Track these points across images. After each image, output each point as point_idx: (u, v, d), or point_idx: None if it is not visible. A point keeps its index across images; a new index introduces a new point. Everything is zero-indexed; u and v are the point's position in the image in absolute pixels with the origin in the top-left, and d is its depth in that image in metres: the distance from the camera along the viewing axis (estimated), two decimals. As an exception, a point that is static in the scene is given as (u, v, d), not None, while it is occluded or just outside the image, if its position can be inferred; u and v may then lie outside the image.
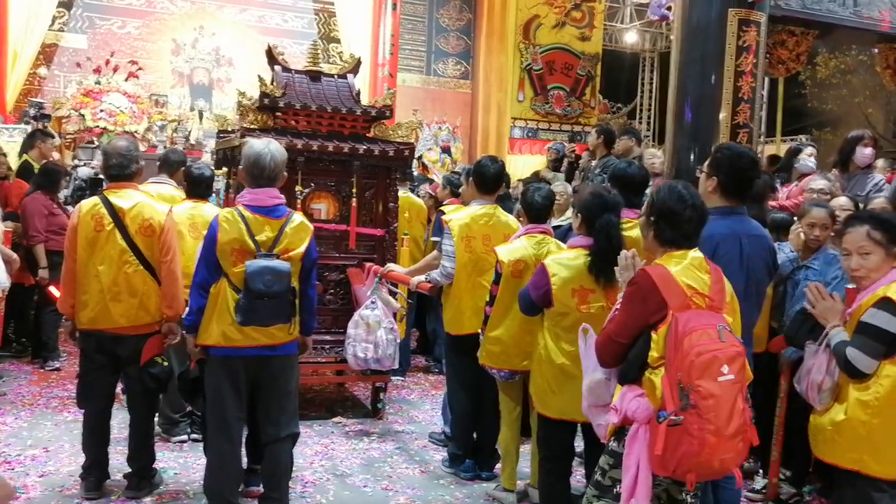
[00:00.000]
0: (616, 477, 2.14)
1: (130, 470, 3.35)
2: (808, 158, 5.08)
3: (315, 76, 4.84)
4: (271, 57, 4.85)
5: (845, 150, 4.90)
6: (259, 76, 4.58)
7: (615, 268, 2.35)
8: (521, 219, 3.97)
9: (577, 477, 3.31)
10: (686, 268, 2.12)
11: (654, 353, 2.05)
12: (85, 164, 7.71)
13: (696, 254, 2.17)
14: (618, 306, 2.21)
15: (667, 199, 2.19)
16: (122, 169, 3.29)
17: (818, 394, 2.44)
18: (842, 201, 3.80)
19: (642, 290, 2.11)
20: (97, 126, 8.83)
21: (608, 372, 2.22)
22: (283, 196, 2.96)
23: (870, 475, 2.33)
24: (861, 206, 3.89)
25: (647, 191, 3.36)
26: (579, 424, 2.93)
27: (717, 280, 2.15)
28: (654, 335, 2.05)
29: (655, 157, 5.82)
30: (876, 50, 7.53)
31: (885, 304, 2.31)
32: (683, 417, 1.93)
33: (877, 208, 3.64)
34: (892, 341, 2.30)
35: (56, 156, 6.73)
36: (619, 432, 2.15)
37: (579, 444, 3.12)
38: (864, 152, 4.77)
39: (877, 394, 2.31)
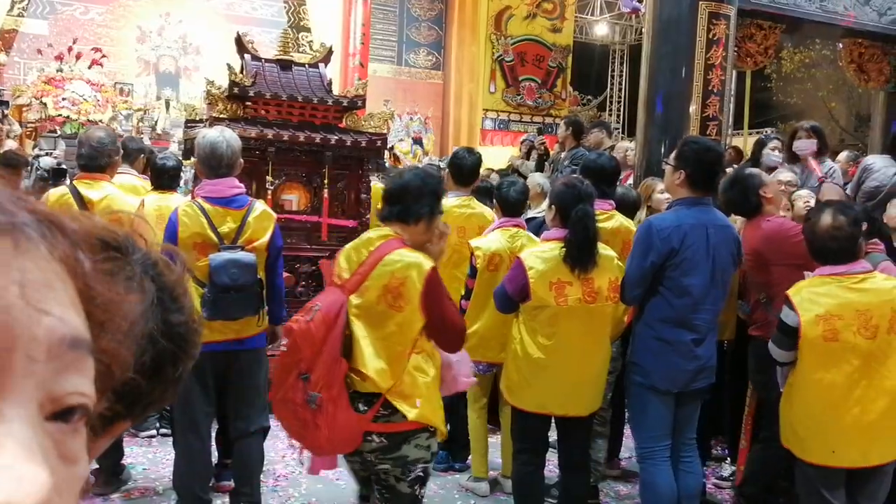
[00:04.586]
0: None
1: (98, 466, 3.28)
2: (772, 153, 5.11)
3: (286, 65, 4.77)
4: (241, 45, 4.76)
5: (787, 143, 4.95)
6: (228, 64, 4.49)
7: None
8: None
9: (549, 466, 3.33)
10: (354, 243, 2.21)
11: None
12: (47, 154, 7.51)
13: (371, 236, 2.20)
14: None
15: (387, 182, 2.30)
16: (90, 160, 3.20)
17: (778, 377, 2.66)
18: (802, 193, 3.89)
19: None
20: (59, 115, 8.60)
21: None
22: (242, 185, 2.91)
23: (795, 455, 2.56)
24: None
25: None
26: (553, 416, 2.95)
27: (368, 262, 2.13)
28: None
29: (629, 149, 5.86)
30: (840, 45, 7.67)
31: (785, 299, 2.52)
32: None
33: (800, 203, 3.75)
34: (790, 332, 2.49)
35: (11, 144, 6.53)
36: None
37: (551, 435, 3.14)
38: (797, 144, 4.74)
39: (790, 380, 2.55)
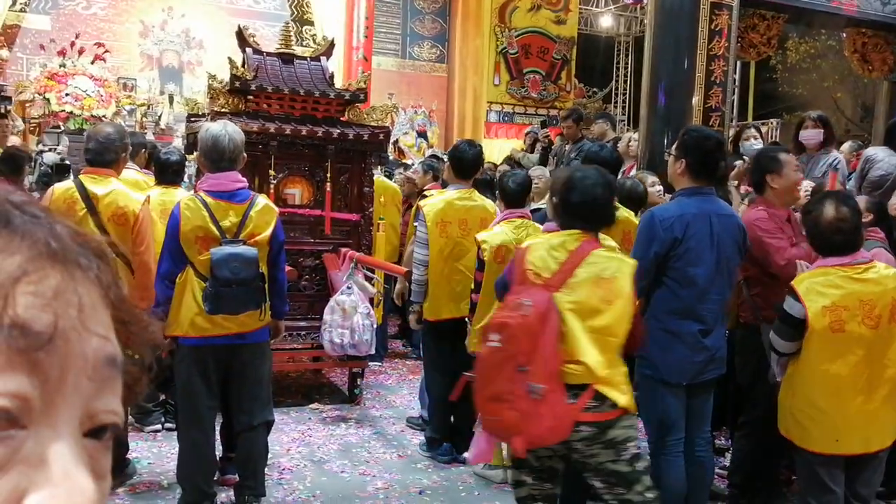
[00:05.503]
0: None
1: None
2: (747, 142, 5.02)
3: (287, 59, 4.76)
4: (242, 39, 4.76)
5: (794, 134, 4.92)
6: (229, 58, 4.49)
7: None
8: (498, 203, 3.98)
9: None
10: (541, 247, 2.27)
11: None
12: (50, 150, 7.53)
13: (566, 237, 2.27)
14: None
15: (557, 184, 2.38)
16: (97, 155, 3.21)
17: (776, 366, 2.66)
18: (804, 184, 3.86)
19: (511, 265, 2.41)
20: (63, 110, 8.61)
21: None
22: (244, 179, 2.91)
23: (794, 444, 2.57)
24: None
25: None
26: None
27: (571, 261, 2.21)
28: None
29: (632, 139, 5.84)
30: (844, 34, 7.62)
31: (790, 290, 2.52)
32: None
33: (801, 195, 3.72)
34: (795, 324, 2.48)
35: (15, 140, 6.54)
36: None
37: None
38: (804, 134, 4.69)
39: (793, 370, 2.55)
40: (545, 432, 2.13)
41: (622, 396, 2.18)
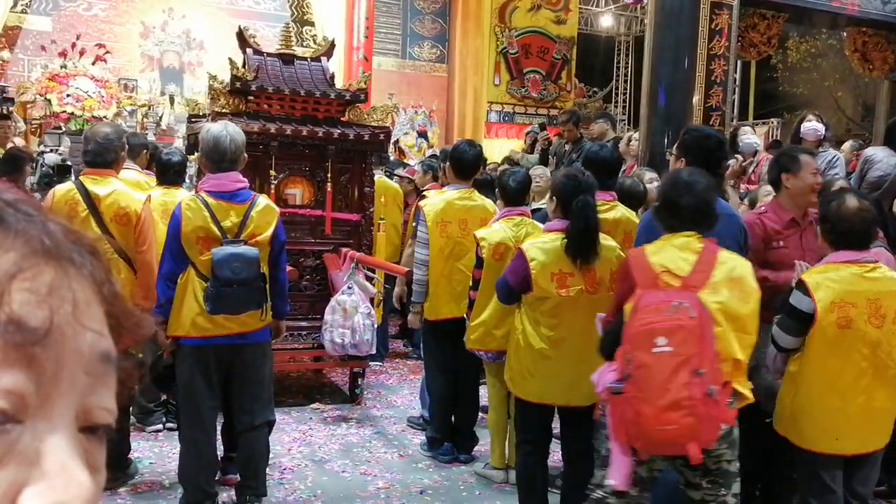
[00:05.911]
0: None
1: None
2: (749, 137, 5.02)
3: (288, 59, 4.77)
4: (243, 39, 4.77)
5: (795, 131, 4.92)
6: (230, 59, 4.50)
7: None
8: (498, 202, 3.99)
9: (555, 458, 3.34)
10: (666, 249, 2.23)
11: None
12: (52, 151, 7.53)
13: (688, 238, 2.24)
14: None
15: (665, 188, 2.38)
16: (96, 156, 3.23)
17: (772, 363, 2.64)
18: None
19: (622, 271, 2.34)
20: (64, 111, 8.61)
21: None
22: (245, 180, 2.92)
23: (793, 443, 2.56)
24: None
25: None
26: (556, 406, 2.96)
27: (705, 261, 2.21)
28: (625, 310, 2.20)
29: (633, 138, 5.85)
30: (844, 33, 7.63)
31: (799, 284, 2.51)
32: (624, 386, 2.07)
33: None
34: (802, 318, 2.47)
35: (17, 141, 6.55)
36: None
37: (555, 426, 3.15)
38: (806, 126, 4.64)
39: (796, 368, 2.52)
40: (715, 434, 2.09)
41: (750, 392, 2.20)
